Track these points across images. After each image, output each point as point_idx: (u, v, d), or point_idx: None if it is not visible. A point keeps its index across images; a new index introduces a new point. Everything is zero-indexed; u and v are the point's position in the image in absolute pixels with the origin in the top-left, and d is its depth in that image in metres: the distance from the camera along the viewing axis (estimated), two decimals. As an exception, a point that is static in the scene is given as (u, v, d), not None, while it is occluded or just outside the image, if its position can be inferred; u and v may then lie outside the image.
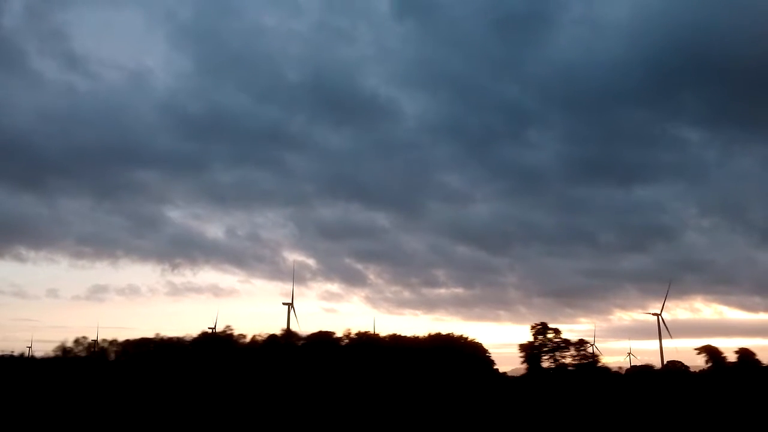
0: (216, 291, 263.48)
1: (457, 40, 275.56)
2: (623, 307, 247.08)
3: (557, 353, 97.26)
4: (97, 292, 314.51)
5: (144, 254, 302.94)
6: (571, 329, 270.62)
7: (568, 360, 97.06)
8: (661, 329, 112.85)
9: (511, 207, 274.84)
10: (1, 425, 33.96)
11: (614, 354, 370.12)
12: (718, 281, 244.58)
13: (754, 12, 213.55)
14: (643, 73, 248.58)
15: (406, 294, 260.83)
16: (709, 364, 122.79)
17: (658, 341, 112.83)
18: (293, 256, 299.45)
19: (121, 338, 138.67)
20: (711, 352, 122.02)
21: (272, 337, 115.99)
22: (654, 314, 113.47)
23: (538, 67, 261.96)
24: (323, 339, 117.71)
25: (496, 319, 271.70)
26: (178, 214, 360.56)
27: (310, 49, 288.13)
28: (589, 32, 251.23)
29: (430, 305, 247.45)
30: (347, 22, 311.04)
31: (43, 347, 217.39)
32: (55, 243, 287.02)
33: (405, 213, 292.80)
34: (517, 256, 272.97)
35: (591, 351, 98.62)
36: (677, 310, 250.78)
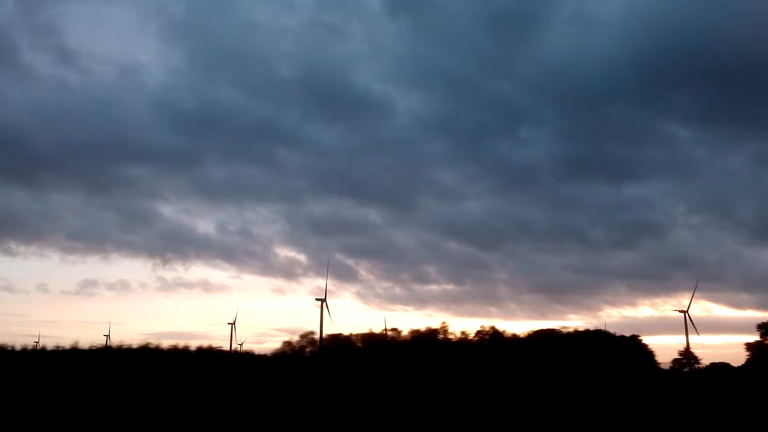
0: (206, 286, 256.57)
1: (450, 38, 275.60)
2: (613, 304, 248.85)
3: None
4: (87, 287, 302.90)
5: (135, 249, 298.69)
6: (562, 326, 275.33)
7: None
8: (688, 327, 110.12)
9: (502, 203, 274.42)
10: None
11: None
12: (707, 278, 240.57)
13: (746, 11, 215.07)
14: (634, 71, 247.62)
15: (397, 290, 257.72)
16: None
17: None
18: (285, 252, 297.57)
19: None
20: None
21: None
22: (680, 311, 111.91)
23: (530, 65, 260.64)
24: (496, 336, 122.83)
25: (487, 315, 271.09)
26: (169, 210, 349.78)
27: (302, 46, 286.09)
28: (580, 31, 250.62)
29: (421, 301, 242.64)
30: (339, 19, 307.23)
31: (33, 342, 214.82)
32: (45, 237, 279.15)
33: (397, 209, 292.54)
34: (508, 252, 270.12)
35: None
36: (666, 307, 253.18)
